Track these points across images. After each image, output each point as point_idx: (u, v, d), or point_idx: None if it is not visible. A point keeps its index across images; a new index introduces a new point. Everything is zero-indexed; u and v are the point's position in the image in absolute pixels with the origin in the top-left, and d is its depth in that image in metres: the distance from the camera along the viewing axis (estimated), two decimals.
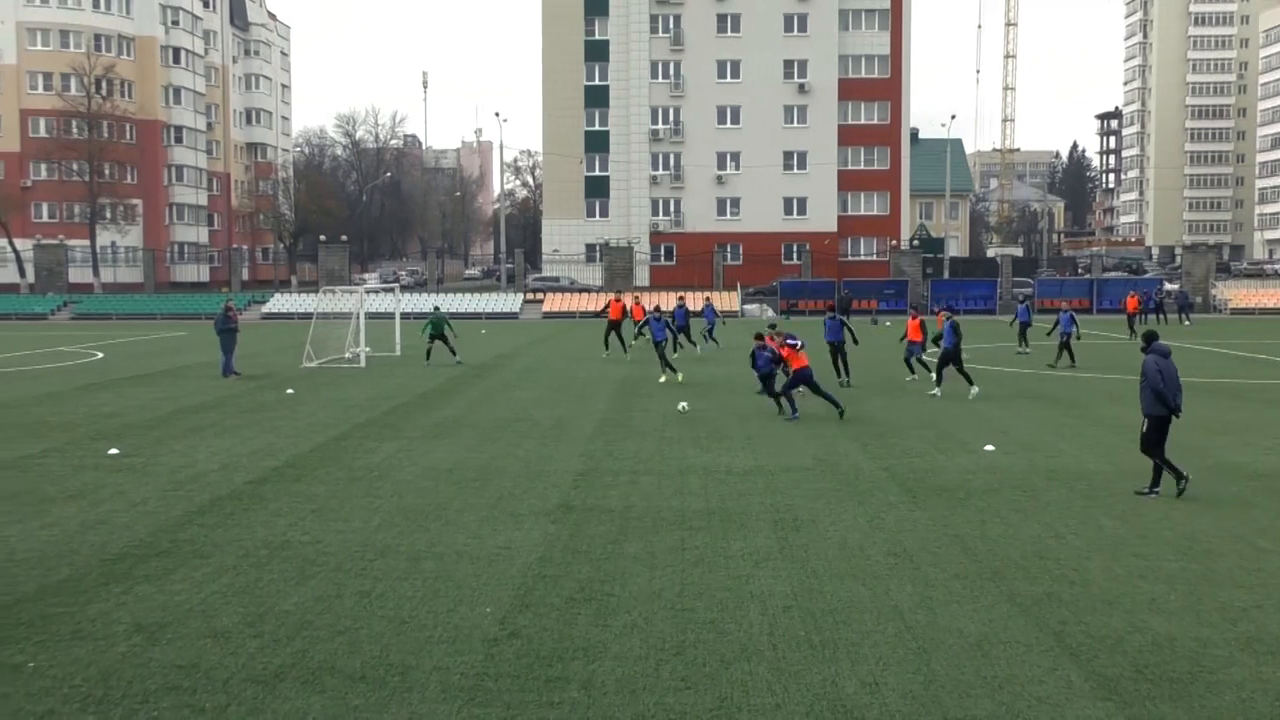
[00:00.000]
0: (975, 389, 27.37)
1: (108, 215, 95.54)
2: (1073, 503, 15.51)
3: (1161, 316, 61.06)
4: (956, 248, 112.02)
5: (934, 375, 28.04)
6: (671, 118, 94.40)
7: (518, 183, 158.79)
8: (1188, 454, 18.09)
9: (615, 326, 41.00)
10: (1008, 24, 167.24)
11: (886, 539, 13.47)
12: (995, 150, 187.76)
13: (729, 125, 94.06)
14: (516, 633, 10.06)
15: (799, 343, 24.06)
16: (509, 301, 78.69)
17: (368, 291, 44.12)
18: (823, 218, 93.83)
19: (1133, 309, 53.48)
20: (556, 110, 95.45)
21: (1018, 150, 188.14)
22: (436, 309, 39.08)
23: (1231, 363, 37.96)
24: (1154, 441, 15.67)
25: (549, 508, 15.19)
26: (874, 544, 13.22)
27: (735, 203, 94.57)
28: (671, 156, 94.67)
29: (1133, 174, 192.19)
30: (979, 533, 13.77)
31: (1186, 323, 61.86)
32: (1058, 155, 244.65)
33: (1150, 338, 16.02)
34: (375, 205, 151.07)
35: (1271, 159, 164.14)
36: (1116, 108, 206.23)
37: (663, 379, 31.49)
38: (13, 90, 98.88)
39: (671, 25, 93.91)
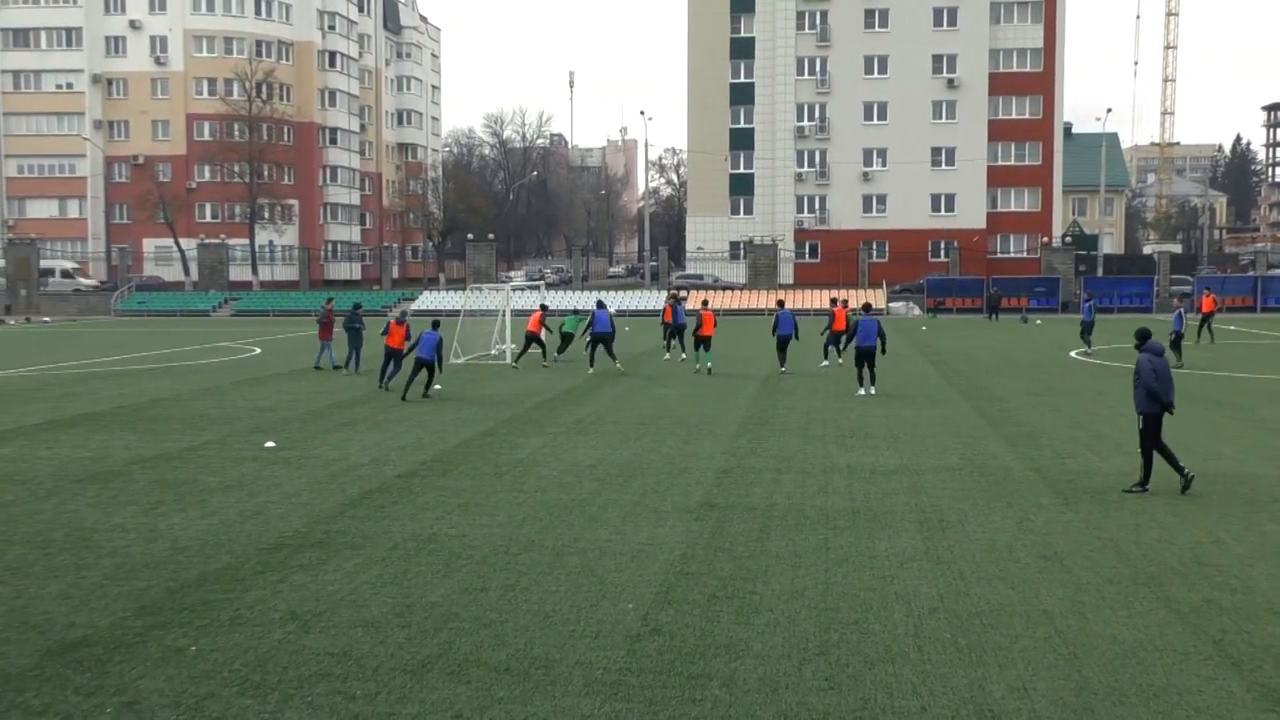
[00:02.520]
0: (863, 391, 27.71)
1: (266, 215, 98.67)
2: (1234, 507, 14.95)
3: None
4: (1111, 244, 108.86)
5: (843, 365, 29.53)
6: (817, 114, 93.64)
7: (662, 181, 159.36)
8: None
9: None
10: (1168, 14, 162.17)
11: (1036, 541, 13.16)
12: (1153, 144, 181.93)
13: (875, 121, 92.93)
14: (659, 629, 10.08)
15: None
16: (652, 299, 78.95)
17: (514, 289, 44.70)
18: (971, 214, 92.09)
19: (1208, 310, 46.80)
20: (701, 108, 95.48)
21: (1177, 144, 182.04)
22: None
23: None
24: (1149, 436, 15.75)
25: (691, 505, 15.19)
26: (1023, 546, 12.93)
27: (881, 199, 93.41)
28: (817, 153, 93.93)
29: None
30: (1133, 537, 13.36)
31: None
32: (1220, 149, 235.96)
33: (1143, 336, 16.27)
34: (522, 204, 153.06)
35: None
36: None
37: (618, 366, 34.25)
38: (180, 96, 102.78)
39: (818, 21, 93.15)
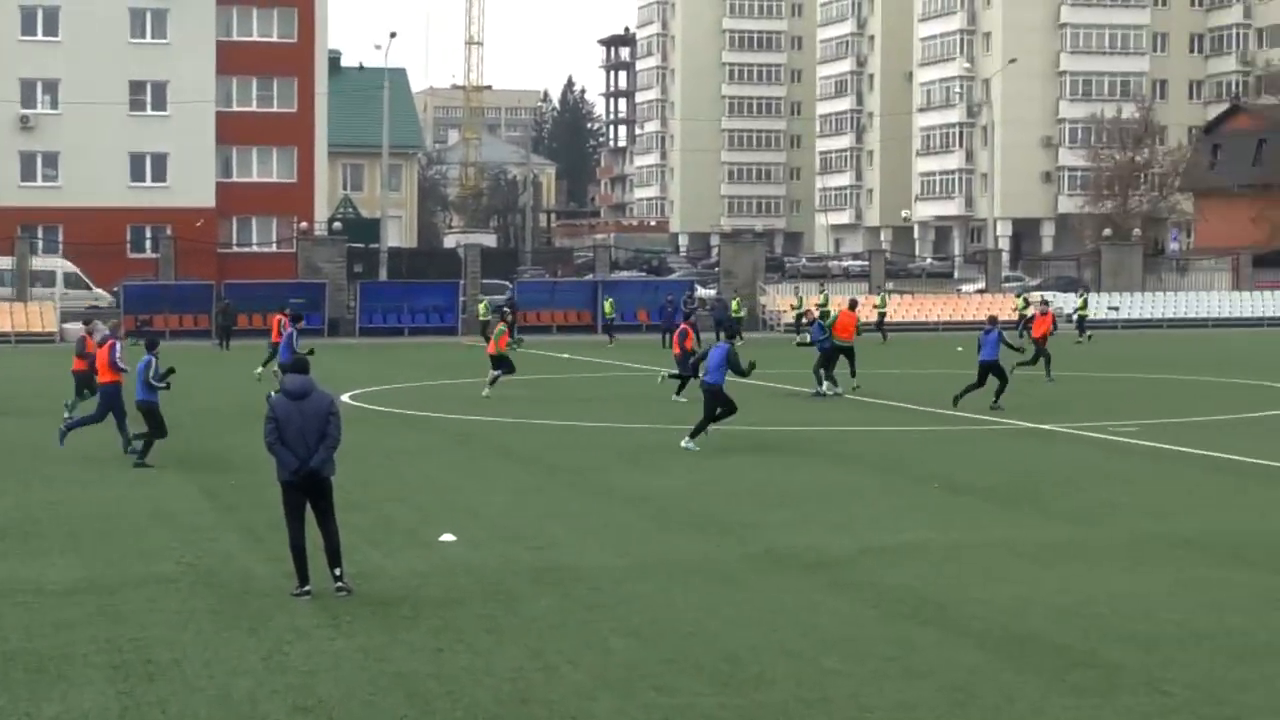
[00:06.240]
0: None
1: None
2: (570, 615, 15.95)
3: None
4: (399, 233, 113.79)
5: None
6: None
7: None
8: (739, 531, 19.19)
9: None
10: None
11: (292, 685, 13.31)
12: (456, 87, 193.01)
13: (40, 38, 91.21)
14: None
15: None
16: None
17: None
18: (193, 186, 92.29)
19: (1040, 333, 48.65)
20: None
21: (489, 88, 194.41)
22: None
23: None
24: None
25: None
26: (272, 695, 13.04)
27: (51, 160, 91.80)
28: None
29: (651, 127, 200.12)
30: (432, 669, 13.85)
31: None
32: (546, 97, 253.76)
33: (288, 366, 17.95)
34: None
35: (834, 110, 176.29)
36: (628, 30, 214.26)
37: None
38: None
39: None
